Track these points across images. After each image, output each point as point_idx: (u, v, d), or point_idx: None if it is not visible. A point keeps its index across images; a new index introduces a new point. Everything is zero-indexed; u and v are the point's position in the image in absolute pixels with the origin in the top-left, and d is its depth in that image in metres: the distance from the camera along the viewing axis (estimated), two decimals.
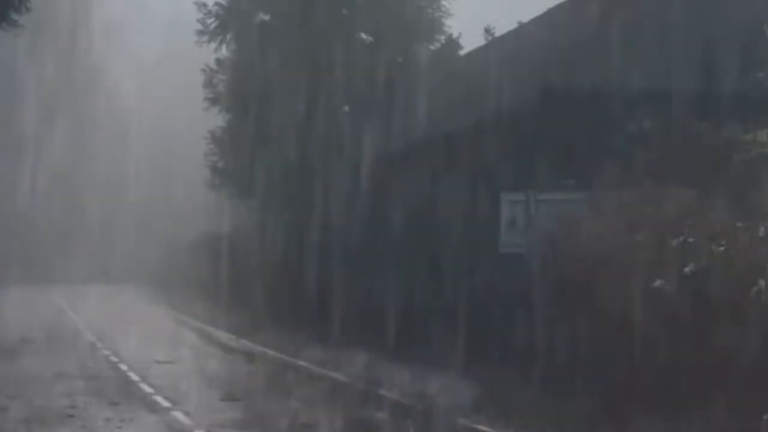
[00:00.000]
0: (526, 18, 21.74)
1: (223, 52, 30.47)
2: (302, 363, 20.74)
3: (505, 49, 22.25)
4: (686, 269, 11.83)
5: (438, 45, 28.61)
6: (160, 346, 24.73)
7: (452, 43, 28.19)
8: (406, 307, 20.86)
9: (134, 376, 19.16)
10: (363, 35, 28.99)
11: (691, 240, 12.08)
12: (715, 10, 17.68)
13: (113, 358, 22.29)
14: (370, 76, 27.48)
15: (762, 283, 10.99)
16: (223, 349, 25.56)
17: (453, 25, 28.74)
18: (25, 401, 15.85)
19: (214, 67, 30.68)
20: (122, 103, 66.00)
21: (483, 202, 17.84)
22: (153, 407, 15.54)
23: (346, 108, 29.39)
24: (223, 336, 27.77)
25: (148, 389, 17.38)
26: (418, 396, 15.28)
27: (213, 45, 30.32)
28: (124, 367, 20.74)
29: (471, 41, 26.65)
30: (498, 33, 23.98)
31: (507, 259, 16.39)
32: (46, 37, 62.36)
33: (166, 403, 15.74)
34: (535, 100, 18.04)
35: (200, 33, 30.14)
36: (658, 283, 12.00)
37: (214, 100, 30.82)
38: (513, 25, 22.74)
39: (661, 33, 17.63)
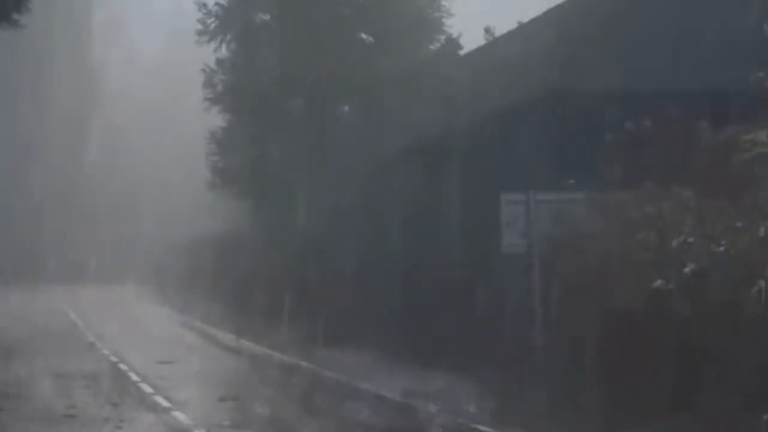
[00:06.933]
0: (526, 18, 21.72)
1: (223, 52, 30.48)
2: (303, 363, 20.74)
3: (505, 49, 22.24)
4: (686, 269, 11.82)
5: (438, 45, 28.59)
6: (160, 346, 24.72)
7: (452, 43, 28.17)
8: (407, 308, 20.86)
9: (134, 376, 19.14)
10: (363, 35, 28.98)
11: (691, 240, 12.07)
12: (716, 10, 17.68)
13: (113, 358, 22.28)
14: (370, 76, 27.48)
15: (762, 283, 10.99)
16: (223, 349, 25.56)
17: (453, 25, 28.76)
18: (25, 401, 15.84)
19: (214, 67, 30.68)
20: (122, 103, 65.98)
21: (483, 202, 17.83)
22: (153, 407, 15.53)
23: (346, 108, 29.39)
24: (223, 336, 27.78)
25: (148, 389, 17.36)
26: (419, 397, 15.30)
27: (213, 45, 30.33)
28: (124, 367, 20.72)
29: (471, 41, 26.64)
30: (498, 33, 23.94)
31: (508, 259, 16.38)
32: (46, 37, 62.36)
33: (166, 403, 15.72)
34: (535, 100, 18.04)
35: (200, 33, 30.14)
36: (658, 283, 12.00)
37: (214, 100, 30.81)
38: (513, 25, 22.71)
39: (661, 33, 17.62)
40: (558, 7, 19.96)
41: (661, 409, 11.85)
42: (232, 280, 34.17)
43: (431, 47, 28.65)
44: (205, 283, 39.59)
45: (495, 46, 23.47)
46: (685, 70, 17.28)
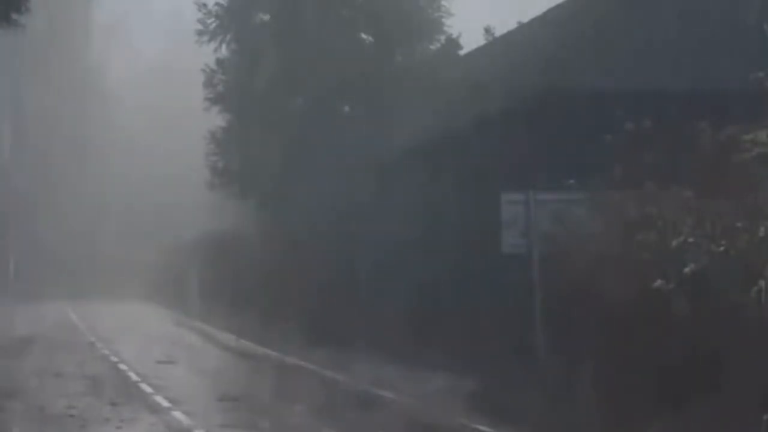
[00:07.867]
0: (526, 18, 21.74)
1: (223, 52, 30.48)
2: (302, 363, 20.76)
3: (504, 49, 22.24)
4: (686, 269, 11.82)
5: (438, 45, 28.59)
6: (160, 347, 24.74)
7: (452, 43, 28.17)
8: (407, 308, 20.86)
9: (134, 376, 19.16)
10: (363, 35, 28.98)
11: (691, 240, 12.07)
12: (716, 10, 17.68)
13: (113, 358, 22.31)
14: (370, 77, 27.48)
15: (762, 283, 10.98)
16: (223, 349, 25.58)
17: (453, 25, 28.75)
18: (25, 401, 15.85)
19: (214, 67, 30.68)
20: (122, 103, 65.99)
21: (483, 202, 17.83)
22: (153, 407, 15.54)
23: (347, 108, 29.37)
24: (223, 336, 27.79)
25: (148, 389, 17.38)
26: (419, 397, 15.29)
27: (213, 45, 30.34)
28: (124, 367, 20.75)
29: (471, 41, 26.65)
30: (498, 33, 23.95)
31: (508, 259, 16.38)
32: (46, 37, 62.37)
33: (166, 403, 15.74)
34: (534, 100, 18.03)
35: (200, 33, 30.15)
36: (658, 283, 11.99)
37: (214, 100, 30.81)
38: (513, 25, 22.73)
39: (661, 32, 17.62)
40: (558, 7, 19.97)
41: (660, 409, 11.85)
42: (233, 280, 34.18)
43: (431, 47, 28.65)
44: (205, 284, 39.62)
45: (495, 46, 23.47)
46: (685, 70, 17.27)
